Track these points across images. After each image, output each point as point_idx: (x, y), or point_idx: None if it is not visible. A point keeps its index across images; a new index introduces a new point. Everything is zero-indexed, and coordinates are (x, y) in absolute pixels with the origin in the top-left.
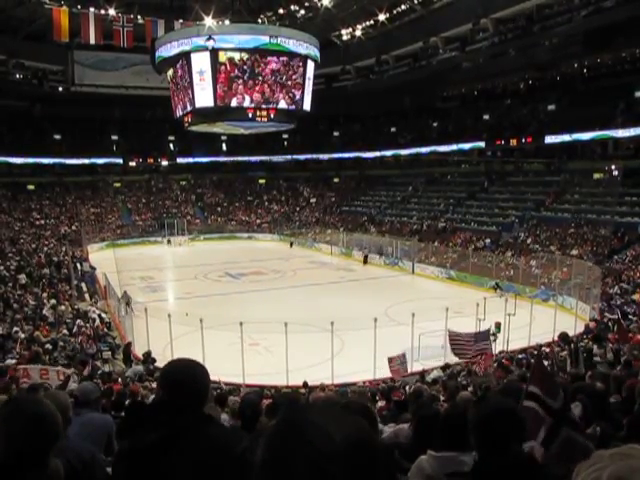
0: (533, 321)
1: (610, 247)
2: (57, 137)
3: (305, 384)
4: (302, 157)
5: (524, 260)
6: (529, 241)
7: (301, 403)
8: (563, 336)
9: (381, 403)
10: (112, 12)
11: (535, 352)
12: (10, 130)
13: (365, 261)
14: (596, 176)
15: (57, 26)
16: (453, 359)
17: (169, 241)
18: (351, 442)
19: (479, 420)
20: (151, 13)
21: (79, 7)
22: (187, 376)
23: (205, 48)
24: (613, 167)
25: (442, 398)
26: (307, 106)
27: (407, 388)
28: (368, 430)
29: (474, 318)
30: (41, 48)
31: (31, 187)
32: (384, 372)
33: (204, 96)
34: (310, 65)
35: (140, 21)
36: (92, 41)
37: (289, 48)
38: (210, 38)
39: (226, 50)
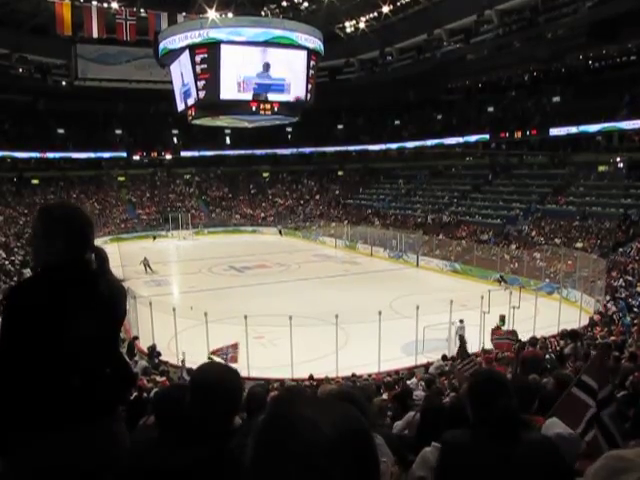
0: (537, 314)
1: (615, 240)
2: (61, 131)
3: (311, 377)
4: (306, 150)
5: (528, 253)
6: (533, 234)
7: (293, 396)
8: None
9: (385, 395)
10: (115, 5)
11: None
12: (14, 124)
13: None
14: (601, 169)
15: (60, 20)
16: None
17: (171, 234)
18: (340, 433)
19: (471, 384)
20: (154, 6)
21: (81, 0)
22: (223, 385)
23: (208, 41)
24: (618, 159)
25: (448, 391)
26: (311, 99)
27: (414, 380)
28: (358, 418)
29: (479, 311)
30: (44, 42)
31: (35, 182)
32: (389, 365)
33: (207, 89)
34: (314, 58)
35: (143, 14)
36: (95, 35)
37: (293, 41)
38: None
39: (228, 43)
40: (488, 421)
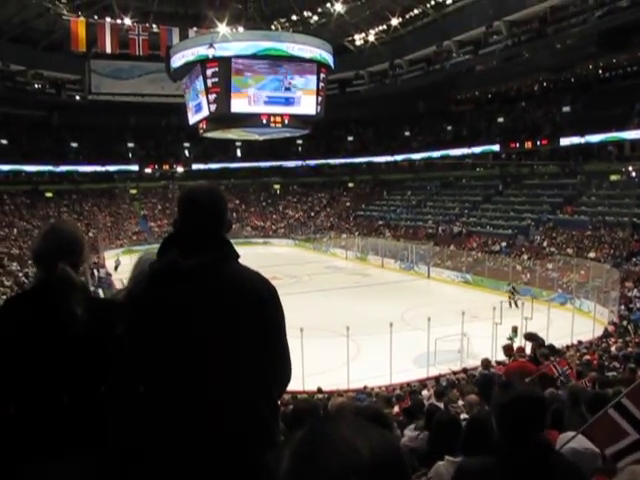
0: (550, 325)
1: (629, 249)
2: (74, 145)
3: (319, 390)
4: (316, 162)
5: (541, 263)
6: (545, 244)
7: (323, 413)
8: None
9: (397, 408)
10: (128, 21)
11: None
12: (29, 139)
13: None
14: (613, 178)
15: (74, 36)
16: (470, 363)
17: None
18: (377, 456)
19: (505, 405)
20: (166, 22)
21: (96, 17)
22: (206, 198)
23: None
24: (630, 168)
25: (461, 402)
26: (321, 111)
27: (425, 392)
28: (394, 444)
29: (491, 322)
30: (59, 58)
31: (49, 194)
32: (400, 377)
33: (219, 103)
34: (323, 71)
35: (155, 30)
36: (108, 50)
37: (302, 55)
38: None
39: (238, 57)
40: (519, 451)
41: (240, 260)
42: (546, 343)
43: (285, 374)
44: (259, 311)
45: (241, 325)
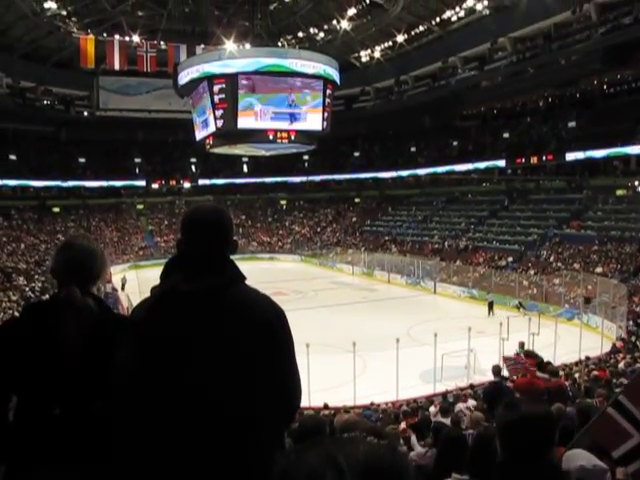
0: (558, 340)
1: (636, 264)
2: (82, 160)
3: (326, 406)
4: (322, 178)
5: (547, 278)
6: (552, 259)
7: (326, 428)
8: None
9: (403, 424)
10: (136, 38)
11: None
12: (37, 154)
13: None
14: (619, 193)
15: (83, 54)
16: (477, 379)
17: None
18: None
19: (508, 423)
20: (174, 39)
21: (105, 35)
22: (211, 219)
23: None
24: (636, 183)
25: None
26: (327, 127)
27: (432, 409)
28: (399, 457)
29: (497, 338)
30: (68, 75)
31: (56, 210)
32: (407, 393)
33: (225, 119)
34: (330, 87)
35: (163, 47)
36: (117, 67)
37: (307, 71)
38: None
39: (244, 73)
40: (525, 472)
41: (246, 273)
42: (553, 360)
43: (293, 401)
44: (266, 337)
45: (247, 352)
